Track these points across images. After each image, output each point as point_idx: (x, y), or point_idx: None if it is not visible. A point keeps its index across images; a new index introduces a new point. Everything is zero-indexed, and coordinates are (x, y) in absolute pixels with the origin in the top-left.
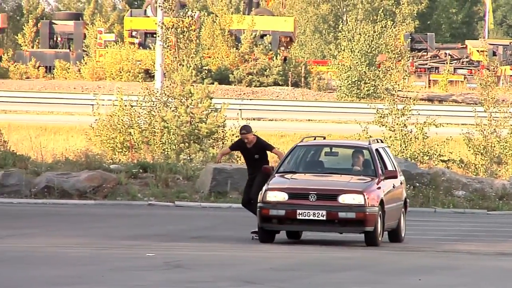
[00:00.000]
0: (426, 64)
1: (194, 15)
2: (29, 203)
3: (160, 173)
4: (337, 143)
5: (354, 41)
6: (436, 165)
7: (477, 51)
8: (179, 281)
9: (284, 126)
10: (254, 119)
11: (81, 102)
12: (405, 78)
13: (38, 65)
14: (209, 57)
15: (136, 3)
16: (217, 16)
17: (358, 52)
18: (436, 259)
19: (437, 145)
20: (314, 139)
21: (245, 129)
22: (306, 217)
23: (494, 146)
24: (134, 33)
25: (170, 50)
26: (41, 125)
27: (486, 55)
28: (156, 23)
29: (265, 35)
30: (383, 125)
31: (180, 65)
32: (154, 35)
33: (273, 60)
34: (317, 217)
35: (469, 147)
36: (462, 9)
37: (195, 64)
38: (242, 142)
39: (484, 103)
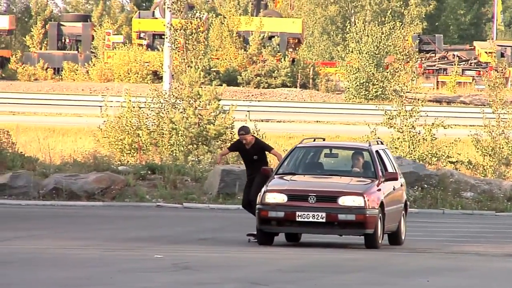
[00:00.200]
0: (434, 65)
1: (203, 16)
2: (37, 204)
3: (169, 175)
4: (337, 145)
5: (362, 43)
6: (444, 166)
7: (485, 52)
8: (187, 283)
9: (292, 128)
10: (262, 121)
11: (89, 103)
12: (413, 80)
13: (46, 66)
14: (217, 58)
15: (144, 4)
16: (225, 17)
17: (366, 53)
18: (444, 260)
19: (445, 146)
20: (314, 140)
21: (244, 130)
22: (306, 219)
23: (503, 148)
24: (142, 35)
25: (178, 51)
26: (49, 126)
27: (495, 57)
28: (164, 25)
29: (273, 36)
30: (391, 127)
31: (188, 66)
32: (162, 37)
33: (281, 62)
34: (317, 219)
35: (477, 148)
36: (470, 11)
37: (204, 66)
38: (241, 143)
39: (492, 104)
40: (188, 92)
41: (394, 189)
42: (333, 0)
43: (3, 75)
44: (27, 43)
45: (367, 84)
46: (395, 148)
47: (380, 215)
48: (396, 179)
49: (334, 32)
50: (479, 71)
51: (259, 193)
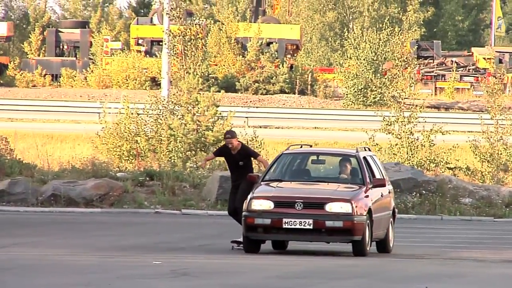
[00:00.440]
0: (433, 71)
1: (202, 23)
2: (36, 211)
3: (167, 181)
4: (324, 151)
5: (360, 49)
6: (442, 172)
7: (484, 58)
8: None
9: (291, 134)
10: (260, 127)
11: (88, 110)
12: (412, 86)
13: (44, 73)
14: (216, 65)
15: (142, 11)
16: (224, 24)
17: (364, 59)
18: (443, 266)
19: (444, 152)
20: (301, 147)
21: (230, 134)
22: (292, 226)
23: (501, 154)
24: (140, 41)
25: (177, 58)
26: (48, 133)
27: (493, 63)
28: (163, 31)
29: (272, 42)
30: (389, 133)
31: (187, 73)
32: (160, 43)
33: (280, 68)
34: (304, 226)
35: (476, 154)
36: (468, 17)
37: (202, 72)
38: (227, 147)
39: (491, 110)
40: (186, 98)
41: (382, 195)
42: (331, 7)
43: (1, 81)
44: (25, 50)
45: (365, 90)
46: (393, 154)
47: (368, 221)
48: (384, 185)
49: (332, 38)
50: (477, 77)
51: (245, 200)
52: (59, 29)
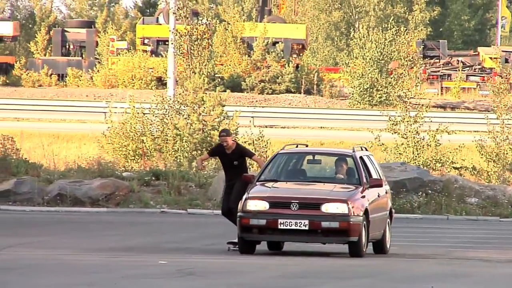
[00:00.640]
0: (439, 71)
1: (209, 23)
2: (42, 211)
3: (173, 181)
4: (320, 151)
5: (365, 49)
6: (448, 172)
7: (490, 58)
8: None
9: (297, 134)
10: (266, 127)
11: (94, 109)
12: (418, 85)
13: (50, 73)
14: (221, 64)
15: (148, 11)
16: (229, 23)
17: (370, 59)
18: (449, 266)
19: (450, 152)
20: (296, 146)
21: (225, 132)
22: (288, 227)
23: (507, 153)
24: (146, 41)
25: (183, 57)
26: (54, 133)
27: (499, 62)
28: (169, 30)
29: (277, 42)
30: (395, 132)
31: (193, 72)
32: (166, 43)
33: (285, 68)
34: (299, 226)
35: (482, 154)
36: (474, 16)
37: (208, 72)
38: (221, 147)
39: (497, 110)
40: (192, 98)
41: (378, 196)
42: (337, 6)
43: (7, 81)
44: (31, 49)
45: (371, 90)
46: (399, 154)
47: (364, 222)
48: (380, 185)
49: (338, 38)
50: (483, 76)
51: (240, 200)
52: (65, 29)
